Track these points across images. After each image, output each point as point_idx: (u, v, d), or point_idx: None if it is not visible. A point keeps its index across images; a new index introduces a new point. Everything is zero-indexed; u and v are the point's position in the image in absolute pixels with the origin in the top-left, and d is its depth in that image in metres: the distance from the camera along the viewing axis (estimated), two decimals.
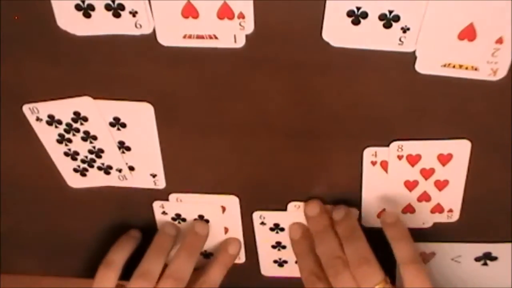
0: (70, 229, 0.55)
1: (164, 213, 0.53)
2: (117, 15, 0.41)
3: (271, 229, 0.53)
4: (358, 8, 0.39)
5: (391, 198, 0.50)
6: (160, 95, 0.46)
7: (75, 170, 0.51)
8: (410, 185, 0.49)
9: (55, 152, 0.50)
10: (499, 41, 0.40)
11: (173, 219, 0.53)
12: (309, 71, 0.43)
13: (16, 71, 0.45)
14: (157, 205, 0.53)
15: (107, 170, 0.51)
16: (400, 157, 0.47)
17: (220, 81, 0.44)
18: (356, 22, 0.40)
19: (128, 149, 0.49)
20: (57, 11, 0.41)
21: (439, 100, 0.44)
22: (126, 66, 0.44)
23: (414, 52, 0.41)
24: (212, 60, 0.43)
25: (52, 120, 0.47)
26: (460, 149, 0.46)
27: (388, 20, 0.40)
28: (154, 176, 0.51)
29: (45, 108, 0.47)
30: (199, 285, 0.52)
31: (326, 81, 0.44)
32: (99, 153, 0.49)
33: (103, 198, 0.53)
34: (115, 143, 0.49)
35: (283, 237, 0.54)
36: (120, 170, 0.50)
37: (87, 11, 0.41)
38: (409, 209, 0.50)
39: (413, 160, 0.47)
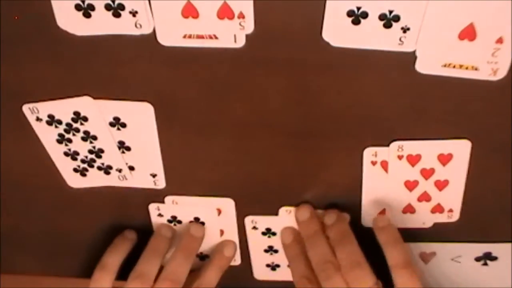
0: (70, 229, 0.55)
1: (160, 215, 0.53)
2: (117, 15, 0.41)
3: (263, 234, 0.54)
4: (358, 8, 0.39)
5: (391, 198, 0.50)
6: (160, 95, 0.46)
7: (75, 170, 0.51)
8: (410, 185, 0.49)
9: (55, 152, 0.50)
10: (499, 41, 0.40)
11: (169, 221, 0.53)
12: (309, 71, 0.43)
13: (16, 71, 0.45)
14: (153, 207, 0.53)
15: (107, 170, 0.51)
16: (400, 157, 0.47)
17: (220, 81, 0.44)
18: (356, 22, 0.40)
19: (128, 149, 0.49)
20: (57, 11, 0.41)
21: (439, 100, 0.44)
22: (126, 66, 0.44)
23: (414, 52, 0.41)
24: (212, 60, 0.43)
25: (52, 120, 0.47)
26: (460, 149, 0.46)
27: (388, 20, 0.40)
28: (154, 176, 0.51)
29: (45, 108, 0.47)
30: (195, 286, 0.52)
31: (326, 81, 0.44)
32: (99, 153, 0.49)
33: (103, 198, 0.53)
34: (115, 143, 0.49)
35: (275, 241, 0.54)
36: (120, 170, 0.50)
37: (87, 11, 0.41)
38: (409, 209, 0.50)
39: (413, 160, 0.47)
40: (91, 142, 0.49)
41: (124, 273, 0.51)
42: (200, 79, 0.44)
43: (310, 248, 0.49)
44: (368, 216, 0.51)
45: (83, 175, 0.51)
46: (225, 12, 0.40)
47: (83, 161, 0.50)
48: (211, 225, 0.53)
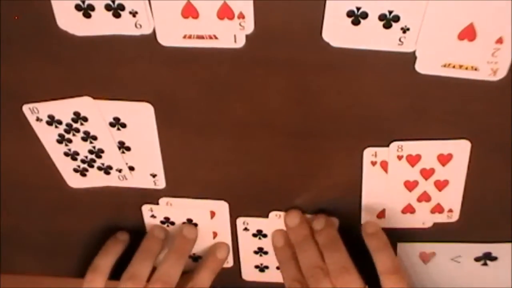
0: (70, 229, 0.55)
1: (153, 216, 0.53)
2: (117, 15, 0.41)
3: (254, 235, 0.54)
4: (358, 8, 0.39)
5: (391, 198, 0.50)
6: (160, 95, 0.46)
7: (75, 170, 0.51)
8: (410, 185, 0.49)
9: (55, 152, 0.50)
10: (499, 41, 0.40)
11: (162, 222, 0.53)
12: (309, 71, 0.43)
13: (16, 71, 0.45)
14: (146, 209, 0.53)
15: (107, 170, 0.51)
16: (400, 157, 0.47)
17: (220, 81, 0.44)
18: (356, 22, 0.40)
19: (128, 149, 0.49)
20: (57, 11, 0.41)
21: (439, 100, 0.44)
22: (126, 66, 0.44)
23: (414, 52, 0.41)
24: (212, 60, 0.43)
25: (52, 120, 0.47)
26: (460, 149, 0.46)
27: (388, 20, 0.40)
28: (154, 176, 0.51)
29: (45, 108, 0.47)
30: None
31: (326, 81, 0.44)
32: (99, 153, 0.49)
33: (103, 199, 0.53)
34: (115, 143, 0.49)
35: (266, 243, 0.54)
36: (120, 170, 0.50)
37: (87, 11, 0.41)
38: (409, 209, 0.50)
39: (413, 160, 0.47)
40: (91, 142, 0.49)
41: (119, 272, 0.51)
42: (200, 79, 0.44)
43: (300, 253, 0.50)
44: (368, 216, 0.51)
45: (83, 175, 0.51)
46: (225, 12, 0.40)
47: (83, 161, 0.50)
48: (204, 227, 0.53)
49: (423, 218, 0.51)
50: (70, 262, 0.57)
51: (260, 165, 0.49)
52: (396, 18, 0.39)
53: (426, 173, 0.48)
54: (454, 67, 0.41)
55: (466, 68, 0.41)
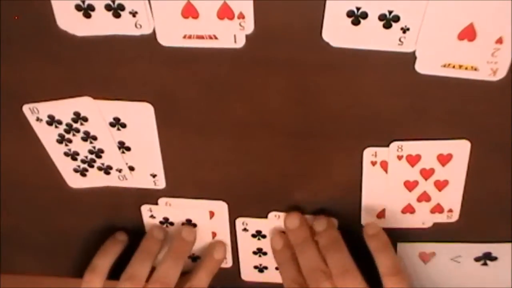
0: (70, 229, 0.55)
1: (152, 216, 0.53)
2: (117, 15, 0.41)
3: (253, 236, 0.54)
4: (358, 9, 0.39)
5: (390, 198, 0.50)
6: (160, 95, 0.46)
7: (75, 170, 0.51)
8: (410, 185, 0.49)
9: (55, 152, 0.50)
10: (499, 41, 0.40)
11: (161, 222, 0.53)
12: (309, 71, 0.43)
13: (16, 71, 0.45)
14: (145, 209, 0.53)
15: (107, 170, 0.51)
16: (400, 157, 0.47)
17: (220, 81, 0.44)
18: (356, 22, 0.40)
19: (128, 149, 0.49)
20: (57, 11, 0.41)
21: (439, 100, 0.44)
22: (126, 66, 0.44)
23: (414, 52, 0.41)
24: (212, 60, 0.43)
25: (52, 120, 0.47)
26: (460, 149, 0.46)
27: (388, 20, 0.40)
28: (154, 176, 0.51)
29: (45, 108, 0.47)
30: None
31: (326, 81, 0.44)
32: (99, 153, 0.49)
33: (103, 199, 0.53)
34: (115, 143, 0.49)
35: (265, 244, 0.54)
36: (120, 170, 0.50)
37: (87, 11, 0.41)
38: (408, 209, 0.50)
39: (413, 160, 0.47)
40: (91, 142, 0.49)
41: (118, 272, 0.51)
42: (200, 79, 0.44)
43: (300, 255, 0.50)
44: (368, 216, 0.51)
45: (83, 175, 0.51)
46: (225, 12, 0.40)
47: (83, 161, 0.50)
48: (203, 228, 0.53)
49: (423, 218, 0.51)
50: (70, 262, 0.57)
51: (260, 165, 0.49)
52: (396, 18, 0.39)
53: (426, 173, 0.48)
54: (454, 67, 0.41)
55: (466, 68, 0.41)
